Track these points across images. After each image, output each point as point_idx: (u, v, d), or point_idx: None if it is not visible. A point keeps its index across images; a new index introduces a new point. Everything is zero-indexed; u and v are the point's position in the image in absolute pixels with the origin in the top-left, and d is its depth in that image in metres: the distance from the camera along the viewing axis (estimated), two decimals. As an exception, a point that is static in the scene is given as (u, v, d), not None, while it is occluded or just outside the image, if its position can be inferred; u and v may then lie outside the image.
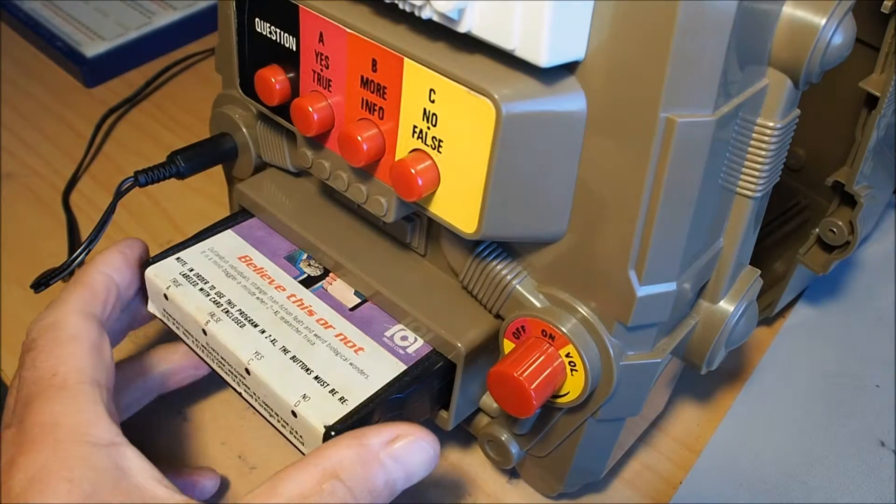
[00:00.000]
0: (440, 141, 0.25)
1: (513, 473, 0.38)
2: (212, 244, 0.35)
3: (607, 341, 0.28)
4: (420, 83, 0.25)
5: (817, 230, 0.38)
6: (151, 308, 0.34)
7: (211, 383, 0.40)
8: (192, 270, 0.34)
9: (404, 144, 0.26)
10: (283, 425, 0.30)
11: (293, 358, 0.31)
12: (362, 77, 0.26)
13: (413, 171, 0.25)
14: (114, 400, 0.29)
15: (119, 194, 0.35)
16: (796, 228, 0.46)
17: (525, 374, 0.27)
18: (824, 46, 0.25)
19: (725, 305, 0.30)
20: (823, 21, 0.24)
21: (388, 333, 0.32)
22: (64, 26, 0.60)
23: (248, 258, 0.35)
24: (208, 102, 0.38)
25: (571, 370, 0.28)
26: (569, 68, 0.24)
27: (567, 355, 0.28)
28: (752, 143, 0.26)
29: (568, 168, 0.26)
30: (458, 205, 0.26)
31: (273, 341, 0.31)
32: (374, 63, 0.26)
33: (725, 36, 0.23)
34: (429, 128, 0.25)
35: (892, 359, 0.44)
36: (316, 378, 0.30)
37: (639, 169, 0.24)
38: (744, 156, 0.27)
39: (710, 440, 0.40)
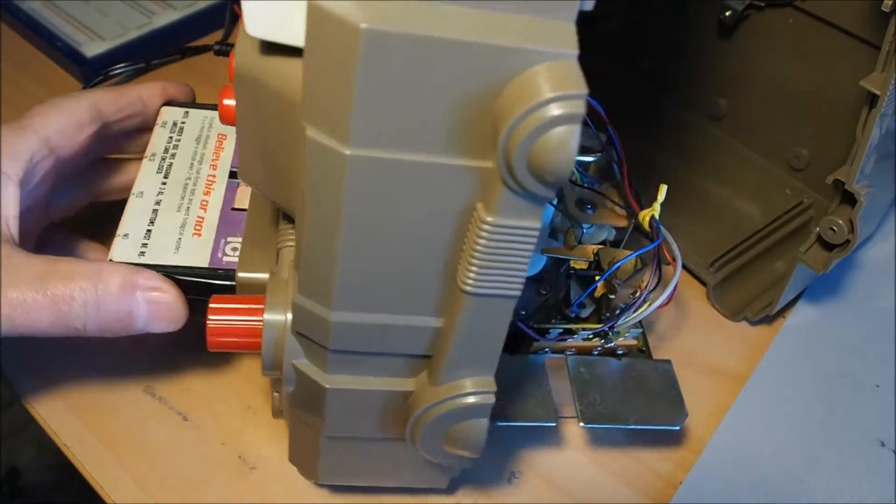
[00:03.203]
0: None
1: (513, 474, 0.38)
2: (214, 115, 0.42)
3: (286, 334, 0.29)
4: None
5: (818, 229, 0.38)
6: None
7: (211, 383, 0.40)
8: (183, 122, 0.41)
9: None
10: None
11: (154, 210, 0.37)
12: None
13: None
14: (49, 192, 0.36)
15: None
16: (800, 227, 0.46)
17: (220, 315, 0.30)
18: (526, 138, 0.21)
19: (439, 390, 0.28)
20: (534, 102, 0.20)
21: (228, 239, 0.36)
22: (64, 26, 0.60)
23: (224, 137, 0.41)
24: (207, 98, 0.38)
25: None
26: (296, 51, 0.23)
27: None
28: (471, 228, 0.24)
29: (286, 137, 0.25)
30: None
31: (160, 192, 0.38)
32: None
33: (354, 65, 0.20)
34: None
35: (892, 359, 0.44)
36: (148, 231, 0.36)
37: (300, 170, 0.24)
38: (458, 237, 0.24)
39: (710, 440, 0.40)
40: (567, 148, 0.21)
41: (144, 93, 0.39)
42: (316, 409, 0.30)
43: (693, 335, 0.44)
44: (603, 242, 0.40)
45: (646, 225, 0.37)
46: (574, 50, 0.21)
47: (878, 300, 0.47)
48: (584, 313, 0.38)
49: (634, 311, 0.36)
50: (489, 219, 0.23)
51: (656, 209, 0.37)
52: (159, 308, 0.33)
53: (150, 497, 0.36)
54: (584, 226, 0.39)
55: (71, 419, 0.38)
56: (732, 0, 0.45)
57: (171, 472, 0.37)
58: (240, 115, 0.27)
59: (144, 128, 0.40)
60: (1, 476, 0.92)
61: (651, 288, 0.36)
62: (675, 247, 0.37)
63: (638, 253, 0.37)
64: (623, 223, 0.39)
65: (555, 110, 0.20)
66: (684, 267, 0.46)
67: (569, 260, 0.38)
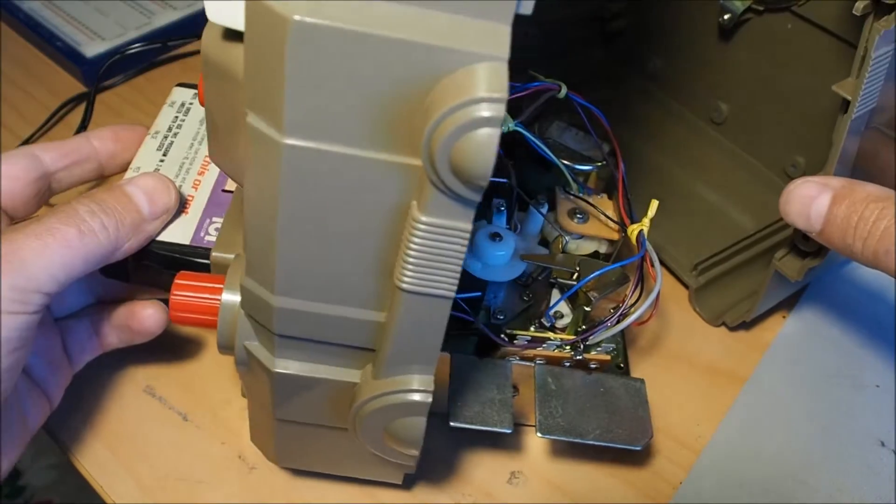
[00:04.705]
0: None
1: (514, 474, 0.38)
2: None
3: (240, 315, 0.29)
4: None
5: (792, 235, 0.38)
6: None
7: (211, 383, 0.40)
8: (191, 104, 0.42)
9: None
10: None
11: None
12: None
13: None
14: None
15: None
16: (789, 237, 0.46)
17: (183, 291, 0.31)
18: (447, 138, 0.21)
19: (378, 384, 0.29)
20: (462, 100, 0.20)
21: (213, 219, 0.37)
22: (64, 26, 0.60)
23: None
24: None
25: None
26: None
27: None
28: (406, 226, 0.24)
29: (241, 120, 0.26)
30: None
31: (156, 169, 0.39)
32: None
33: (284, 56, 0.21)
34: None
35: (892, 359, 0.44)
36: None
37: (245, 155, 0.24)
38: (395, 234, 0.25)
39: (710, 440, 0.40)
40: (485, 150, 0.21)
41: (93, 138, 0.38)
42: (266, 392, 0.31)
43: (693, 335, 0.44)
44: (595, 254, 0.39)
45: (633, 239, 0.37)
46: (504, 53, 0.21)
47: (878, 300, 0.47)
48: (561, 324, 0.37)
49: (607, 326, 0.36)
50: (421, 217, 0.23)
51: (646, 224, 0.37)
52: (152, 185, 0.34)
53: (150, 497, 0.36)
54: (574, 235, 0.39)
55: (71, 419, 0.38)
56: (732, 3, 0.45)
57: (171, 472, 0.37)
58: (206, 98, 0.28)
59: (103, 174, 0.39)
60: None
61: (630, 304, 0.36)
62: (657, 264, 0.36)
63: (612, 266, 0.36)
64: (614, 236, 0.38)
65: (474, 112, 0.20)
66: (670, 270, 0.46)
67: (550, 268, 0.38)
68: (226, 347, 0.31)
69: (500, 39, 0.21)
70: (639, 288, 0.36)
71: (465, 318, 0.34)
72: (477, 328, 0.35)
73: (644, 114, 0.53)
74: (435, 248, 0.24)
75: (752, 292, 0.42)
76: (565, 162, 0.40)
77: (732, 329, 0.44)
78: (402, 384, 0.28)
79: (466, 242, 0.24)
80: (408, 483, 0.37)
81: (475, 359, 0.36)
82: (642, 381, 0.37)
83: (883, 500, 0.38)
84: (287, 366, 0.29)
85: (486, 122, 0.20)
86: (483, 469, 0.38)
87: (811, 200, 0.33)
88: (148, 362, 0.40)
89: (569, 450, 0.39)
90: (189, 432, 0.38)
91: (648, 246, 0.36)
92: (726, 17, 0.45)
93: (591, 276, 0.36)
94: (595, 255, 0.39)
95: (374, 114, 0.22)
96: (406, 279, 0.25)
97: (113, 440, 0.38)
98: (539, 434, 0.34)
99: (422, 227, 0.23)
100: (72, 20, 0.61)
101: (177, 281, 0.31)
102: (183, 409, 0.39)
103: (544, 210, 0.40)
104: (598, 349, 0.37)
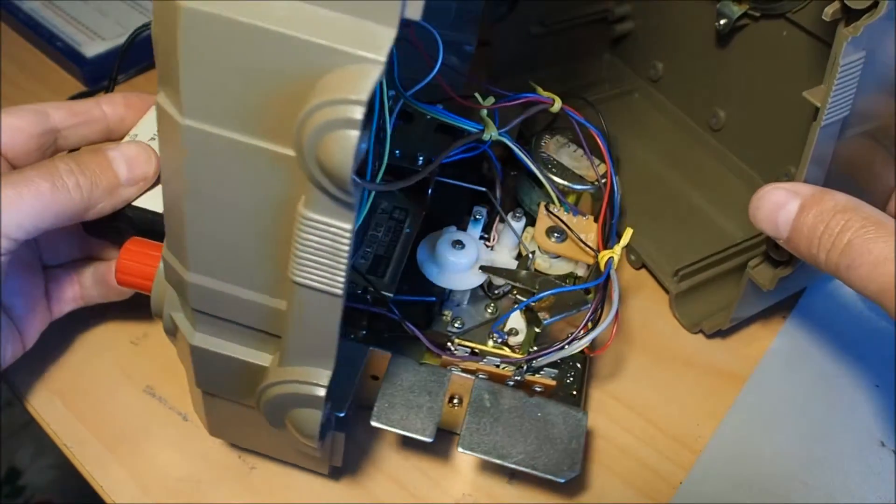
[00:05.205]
0: None
1: (513, 474, 0.38)
2: None
3: (169, 285, 0.30)
4: None
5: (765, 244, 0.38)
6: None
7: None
8: None
9: None
10: None
11: None
12: None
13: None
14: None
15: None
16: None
17: (130, 256, 0.33)
18: (311, 135, 0.21)
19: (279, 371, 0.29)
20: (335, 95, 0.21)
21: None
22: (64, 26, 0.60)
23: None
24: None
25: None
26: None
27: None
28: (296, 220, 0.24)
29: None
30: None
31: (151, 139, 0.38)
32: None
33: (177, 42, 0.22)
34: None
35: (891, 359, 0.44)
36: None
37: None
38: (289, 225, 0.25)
39: (710, 440, 0.40)
40: (344, 151, 0.21)
41: (104, 102, 0.39)
42: (189, 363, 0.31)
43: (693, 336, 0.44)
44: (571, 276, 0.38)
45: (601, 265, 0.36)
46: (381, 56, 0.21)
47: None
48: (515, 341, 0.36)
49: (554, 350, 0.34)
50: (304, 213, 0.24)
51: (617, 252, 0.36)
52: (134, 153, 0.35)
53: (150, 497, 0.36)
54: (550, 255, 0.38)
55: (71, 419, 0.38)
56: (728, 8, 0.44)
57: (171, 472, 0.37)
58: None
59: (110, 138, 0.40)
60: (1, 476, 0.92)
61: (580, 331, 0.34)
62: (616, 293, 0.34)
63: (567, 289, 0.36)
64: (588, 260, 0.37)
65: (334, 112, 0.21)
66: (653, 274, 0.46)
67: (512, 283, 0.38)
68: (157, 314, 0.32)
69: (380, 42, 0.21)
70: (598, 315, 0.35)
71: (391, 317, 0.34)
72: (406, 330, 0.35)
73: (645, 118, 0.53)
74: (320, 245, 0.24)
75: (730, 301, 0.42)
76: (556, 179, 0.40)
77: (732, 330, 0.44)
78: (301, 375, 0.28)
79: (348, 242, 0.24)
80: (408, 483, 0.37)
81: (414, 363, 0.35)
82: (584, 413, 0.35)
83: (883, 500, 0.38)
84: (204, 340, 0.30)
85: (346, 123, 0.21)
86: (483, 469, 0.38)
87: (779, 207, 0.33)
88: (148, 362, 0.40)
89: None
90: (189, 432, 0.38)
91: (613, 274, 0.35)
92: (722, 22, 0.45)
93: (539, 295, 0.35)
94: (570, 276, 0.38)
95: (262, 103, 0.22)
96: (296, 272, 0.25)
97: (113, 440, 0.38)
98: (459, 449, 0.33)
99: (306, 222, 0.24)
100: (72, 20, 0.61)
101: (126, 245, 0.33)
102: (183, 409, 0.39)
103: (521, 224, 0.39)
104: (542, 373, 0.35)
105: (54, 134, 0.38)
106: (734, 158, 0.49)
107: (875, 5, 0.30)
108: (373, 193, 0.32)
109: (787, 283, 0.39)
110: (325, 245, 0.24)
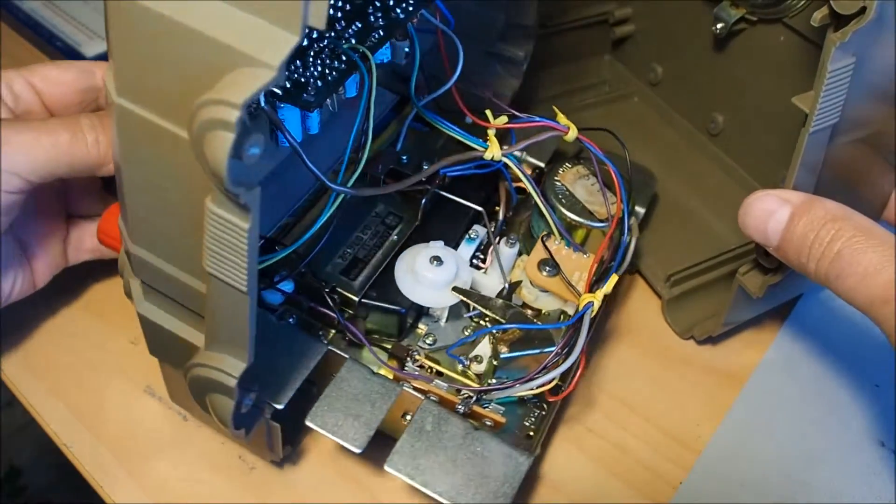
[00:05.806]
0: None
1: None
2: None
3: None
4: None
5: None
6: None
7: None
8: None
9: None
10: None
11: None
12: None
13: None
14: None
15: None
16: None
17: (109, 219, 0.35)
18: (196, 132, 0.22)
19: (201, 354, 0.29)
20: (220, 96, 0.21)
21: None
22: (64, 26, 0.60)
23: None
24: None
25: None
26: None
27: None
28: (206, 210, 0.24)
29: None
30: None
31: None
32: None
33: (108, 19, 0.24)
34: None
35: (891, 359, 0.44)
36: None
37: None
38: (202, 214, 0.25)
39: (710, 440, 0.40)
40: (218, 151, 0.21)
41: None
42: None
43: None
44: (561, 313, 0.37)
45: (579, 307, 0.35)
46: (274, 61, 0.21)
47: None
48: (477, 369, 0.35)
49: (502, 387, 0.34)
50: (209, 204, 0.24)
51: (598, 298, 0.35)
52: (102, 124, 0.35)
53: (150, 497, 0.36)
54: (538, 289, 0.37)
55: (71, 419, 0.38)
56: (724, 12, 0.44)
57: (170, 471, 0.37)
58: None
59: None
60: (1, 476, 0.92)
61: (535, 373, 0.33)
62: (581, 340, 0.33)
63: (529, 326, 0.35)
64: (574, 300, 0.36)
65: (210, 112, 0.21)
66: (645, 279, 0.46)
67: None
68: (121, 276, 0.33)
69: (279, 47, 0.21)
70: (563, 358, 0.33)
71: (330, 314, 0.35)
72: (343, 329, 0.35)
73: (644, 121, 0.53)
74: (223, 238, 0.24)
75: (723, 308, 0.42)
76: (564, 211, 0.39)
77: (733, 331, 0.44)
78: (218, 362, 0.28)
79: (246, 240, 0.24)
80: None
81: (368, 372, 0.34)
82: (527, 457, 0.33)
83: (883, 500, 0.38)
84: (149, 310, 0.31)
85: (222, 124, 0.21)
86: (483, 469, 0.38)
87: (769, 215, 0.32)
88: (148, 362, 0.40)
89: (569, 450, 0.39)
90: (189, 432, 0.38)
91: (586, 319, 0.34)
92: (719, 26, 0.44)
93: (502, 326, 0.35)
94: (561, 314, 0.37)
95: (179, 91, 0.23)
96: (207, 261, 0.25)
97: (113, 440, 0.38)
98: (385, 467, 0.32)
99: (210, 214, 0.24)
100: (72, 20, 0.61)
101: (112, 207, 0.35)
102: (183, 409, 0.39)
103: (513, 250, 0.39)
104: (491, 407, 0.35)
105: (97, 92, 0.39)
106: (731, 163, 0.49)
107: (863, 11, 0.30)
108: (341, 196, 0.32)
109: (781, 290, 0.38)
110: (227, 240, 0.24)
